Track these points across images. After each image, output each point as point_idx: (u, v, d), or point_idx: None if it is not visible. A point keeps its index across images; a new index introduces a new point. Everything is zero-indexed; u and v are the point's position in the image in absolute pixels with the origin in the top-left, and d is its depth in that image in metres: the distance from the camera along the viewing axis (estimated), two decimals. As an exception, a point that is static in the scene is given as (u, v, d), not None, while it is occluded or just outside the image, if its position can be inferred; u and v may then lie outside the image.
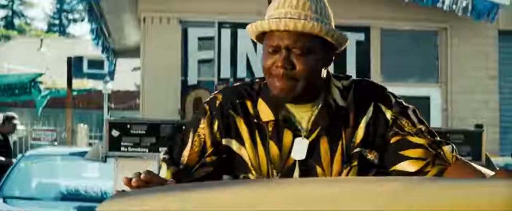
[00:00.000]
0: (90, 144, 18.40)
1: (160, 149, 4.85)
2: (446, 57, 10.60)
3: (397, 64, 10.66)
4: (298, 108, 2.15)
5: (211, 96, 2.21)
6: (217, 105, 2.17)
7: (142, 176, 1.83)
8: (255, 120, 2.15)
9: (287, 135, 2.13)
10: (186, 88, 10.27)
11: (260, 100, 2.16)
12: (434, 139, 2.13)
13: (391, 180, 1.90)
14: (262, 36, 2.13)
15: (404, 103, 2.18)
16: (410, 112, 2.16)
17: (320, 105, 2.14)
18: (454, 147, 2.17)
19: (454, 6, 9.39)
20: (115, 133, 5.03)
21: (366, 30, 10.39)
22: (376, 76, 10.17)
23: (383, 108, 2.14)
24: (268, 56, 2.08)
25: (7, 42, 42.13)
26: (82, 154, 7.59)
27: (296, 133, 2.13)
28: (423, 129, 2.14)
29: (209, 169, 2.14)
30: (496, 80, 10.71)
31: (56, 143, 16.75)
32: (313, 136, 2.13)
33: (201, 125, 2.16)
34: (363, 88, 2.18)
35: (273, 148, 2.13)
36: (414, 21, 10.55)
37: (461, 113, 10.52)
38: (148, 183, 1.84)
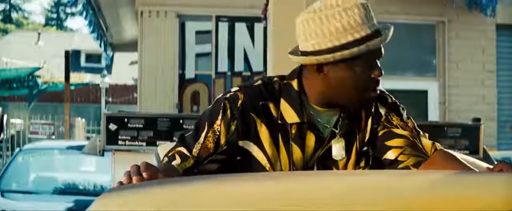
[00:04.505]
0: (87, 138, 18.38)
1: (157, 142, 4.85)
2: (444, 51, 10.60)
3: (394, 58, 10.64)
4: (326, 111, 2.17)
5: (232, 94, 2.14)
6: (239, 104, 2.11)
7: (144, 174, 1.82)
8: (279, 121, 2.13)
9: (310, 137, 2.15)
10: (183, 82, 10.27)
11: (282, 101, 2.14)
12: (417, 132, 2.20)
13: (386, 174, 1.90)
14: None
15: (398, 103, 2.27)
16: (401, 110, 2.24)
17: (345, 110, 2.18)
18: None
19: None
20: (113, 126, 5.03)
21: (363, 24, 10.34)
22: (373, 70, 10.14)
23: (379, 106, 2.23)
24: (371, 68, 2.18)
25: (4, 36, 42.04)
26: (79, 148, 7.56)
27: (319, 136, 2.15)
28: (410, 124, 2.21)
29: (216, 166, 2.15)
30: (493, 74, 10.70)
31: (53, 137, 16.75)
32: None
33: (218, 122, 2.11)
34: None
35: (296, 150, 2.14)
36: (412, 15, 10.54)
37: (459, 107, 10.52)
38: (149, 177, 1.83)
